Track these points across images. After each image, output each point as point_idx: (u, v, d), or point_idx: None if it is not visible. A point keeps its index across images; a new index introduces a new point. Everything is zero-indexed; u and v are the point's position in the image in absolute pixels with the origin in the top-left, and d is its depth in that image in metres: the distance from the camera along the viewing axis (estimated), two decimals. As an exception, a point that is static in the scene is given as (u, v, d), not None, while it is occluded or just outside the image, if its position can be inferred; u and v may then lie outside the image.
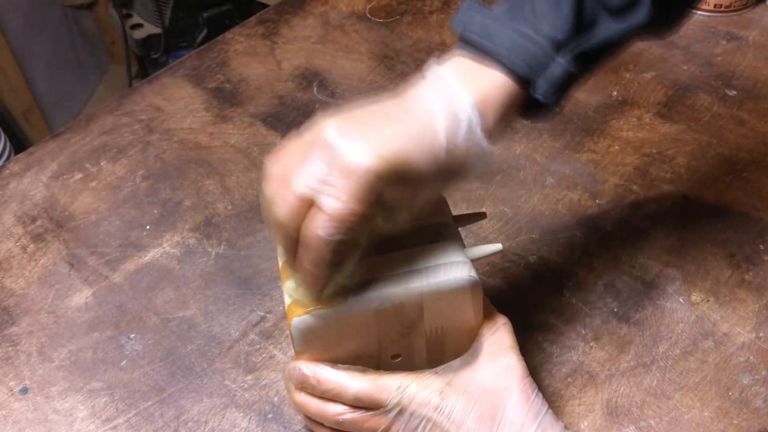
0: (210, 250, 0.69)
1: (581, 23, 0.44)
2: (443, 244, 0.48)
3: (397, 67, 0.90)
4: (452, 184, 0.45)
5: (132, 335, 0.63)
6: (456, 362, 0.49)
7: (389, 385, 0.47)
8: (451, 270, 0.46)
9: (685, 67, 0.87)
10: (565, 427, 0.48)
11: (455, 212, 0.52)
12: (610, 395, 0.57)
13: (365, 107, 0.42)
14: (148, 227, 0.72)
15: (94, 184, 0.76)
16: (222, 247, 0.70)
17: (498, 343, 0.49)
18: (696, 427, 0.55)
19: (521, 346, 0.50)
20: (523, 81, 0.44)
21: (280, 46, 0.94)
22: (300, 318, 0.45)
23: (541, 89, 0.44)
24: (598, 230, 0.69)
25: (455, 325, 0.49)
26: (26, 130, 1.68)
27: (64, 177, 0.77)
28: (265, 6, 1.20)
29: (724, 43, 0.91)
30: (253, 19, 0.99)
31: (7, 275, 0.68)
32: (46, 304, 0.65)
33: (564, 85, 0.45)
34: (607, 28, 0.46)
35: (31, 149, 0.81)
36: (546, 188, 0.74)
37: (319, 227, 0.39)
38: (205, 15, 1.82)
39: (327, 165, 0.39)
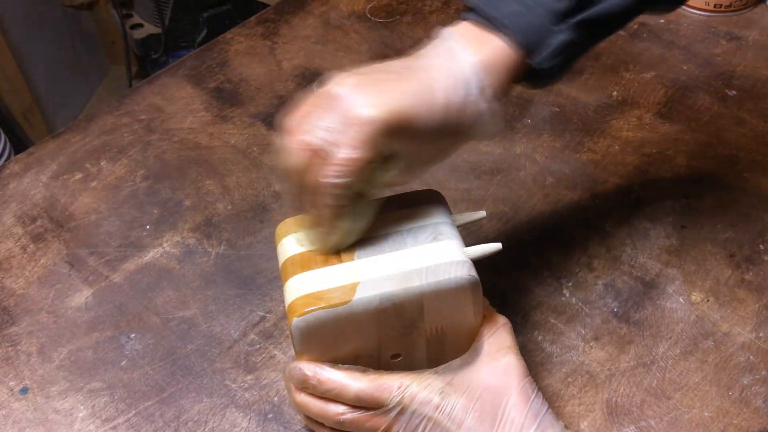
0: (210, 250, 0.69)
1: None
2: (443, 243, 0.48)
3: (397, 67, 0.90)
4: (457, 142, 0.49)
5: (132, 335, 0.63)
6: (456, 362, 0.49)
7: (390, 385, 0.47)
8: (451, 269, 0.46)
9: (685, 67, 0.87)
10: (565, 427, 0.48)
11: (455, 212, 0.52)
12: (610, 395, 0.57)
13: (373, 66, 0.46)
14: (148, 227, 0.72)
15: (94, 184, 0.76)
16: (222, 247, 0.70)
17: (498, 342, 0.49)
18: (696, 427, 0.55)
19: (521, 346, 0.50)
20: (524, 48, 0.46)
21: (280, 46, 0.94)
22: (300, 318, 0.45)
23: (540, 57, 0.47)
24: (598, 230, 0.69)
25: (455, 325, 0.49)
26: (26, 130, 1.67)
27: (64, 177, 0.77)
28: (265, 6, 1.20)
29: (724, 43, 0.91)
30: (253, 19, 0.99)
31: (7, 275, 0.68)
32: (46, 304, 0.65)
33: (564, 54, 0.47)
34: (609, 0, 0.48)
35: (31, 149, 0.81)
36: (546, 188, 0.74)
37: (329, 171, 0.43)
38: (205, 15, 1.82)
39: (336, 116, 0.43)
